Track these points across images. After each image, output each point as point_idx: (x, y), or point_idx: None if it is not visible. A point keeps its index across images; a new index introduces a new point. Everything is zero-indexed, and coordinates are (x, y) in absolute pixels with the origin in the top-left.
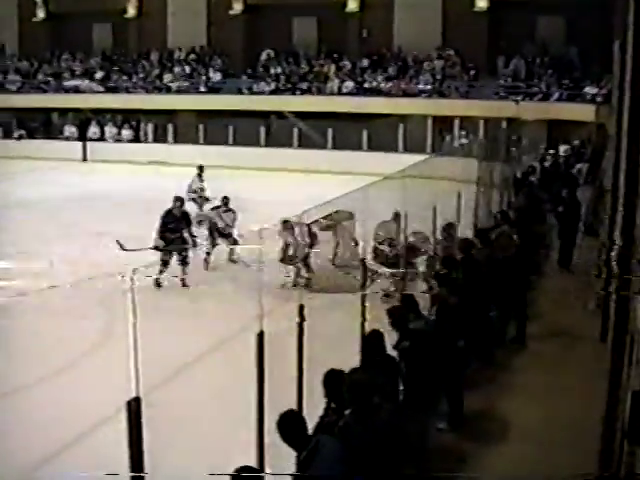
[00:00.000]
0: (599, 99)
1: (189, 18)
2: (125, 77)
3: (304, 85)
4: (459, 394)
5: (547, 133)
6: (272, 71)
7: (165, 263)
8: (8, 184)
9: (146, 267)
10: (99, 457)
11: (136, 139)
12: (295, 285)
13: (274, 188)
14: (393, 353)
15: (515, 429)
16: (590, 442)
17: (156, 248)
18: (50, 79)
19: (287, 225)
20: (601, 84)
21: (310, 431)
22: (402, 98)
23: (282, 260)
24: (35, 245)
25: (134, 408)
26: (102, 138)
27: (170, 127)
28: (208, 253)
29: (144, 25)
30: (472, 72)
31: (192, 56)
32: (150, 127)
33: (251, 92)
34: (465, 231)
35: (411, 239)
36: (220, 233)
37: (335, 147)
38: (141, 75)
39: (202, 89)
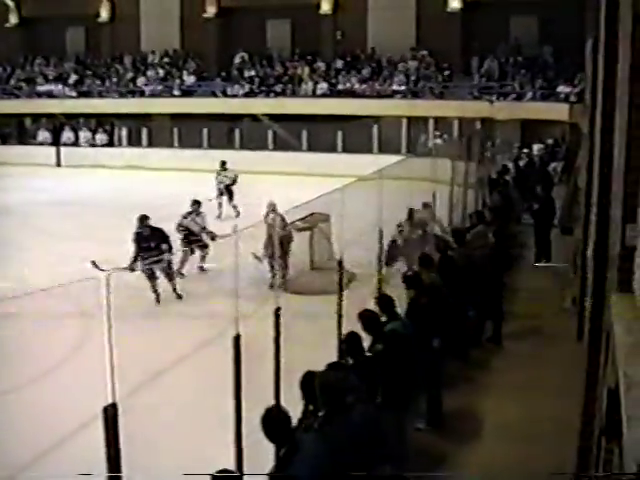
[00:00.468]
0: (572, 98)
1: (162, 21)
2: (99, 81)
3: (278, 87)
4: (437, 394)
5: (521, 133)
6: (246, 74)
7: (151, 276)
8: None
9: (120, 270)
10: (77, 463)
11: (110, 143)
12: (272, 286)
13: (249, 191)
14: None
15: (494, 427)
16: (568, 439)
17: (131, 270)
18: (23, 84)
19: (273, 207)
20: (574, 83)
21: None
22: (376, 99)
23: (266, 254)
24: (10, 251)
25: (111, 414)
26: (76, 143)
27: (144, 131)
28: (183, 262)
29: (117, 29)
30: (446, 73)
31: (165, 59)
32: (124, 131)
33: (225, 95)
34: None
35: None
36: (195, 240)
37: (310, 149)
38: (114, 79)
39: (176, 92)
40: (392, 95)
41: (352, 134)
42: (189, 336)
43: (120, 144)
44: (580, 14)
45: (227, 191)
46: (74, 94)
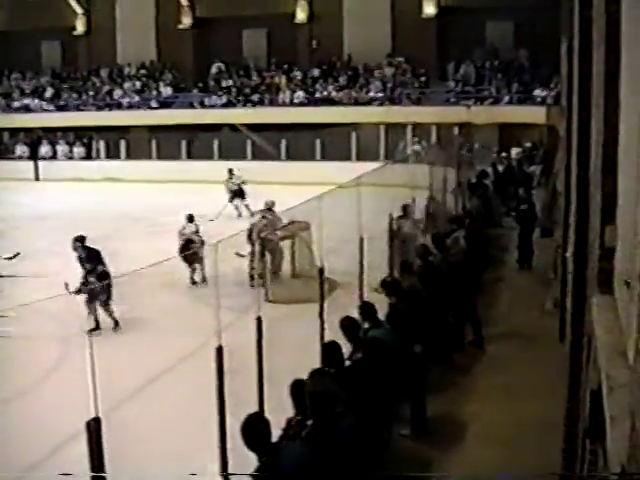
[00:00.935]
0: (549, 101)
1: (138, 33)
2: (75, 95)
3: (256, 97)
4: (421, 399)
5: (499, 137)
6: (223, 84)
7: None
8: None
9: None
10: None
11: (88, 156)
12: (252, 286)
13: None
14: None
15: (478, 431)
16: (552, 441)
17: (78, 292)
18: None
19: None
20: (551, 86)
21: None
22: (354, 107)
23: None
24: None
25: (94, 428)
26: (54, 157)
27: (122, 143)
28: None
29: (93, 42)
30: (422, 79)
31: (142, 71)
32: (102, 144)
33: (203, 106)
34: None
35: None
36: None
37: (289, 158)
38: (91, 92)
39: (153, 104)
40: (369, 102)
41: (330, 142)
42: (172, 348)
43: (98, 157)
44: (555, 17)
45: (238, 194)
46: (51, 108)
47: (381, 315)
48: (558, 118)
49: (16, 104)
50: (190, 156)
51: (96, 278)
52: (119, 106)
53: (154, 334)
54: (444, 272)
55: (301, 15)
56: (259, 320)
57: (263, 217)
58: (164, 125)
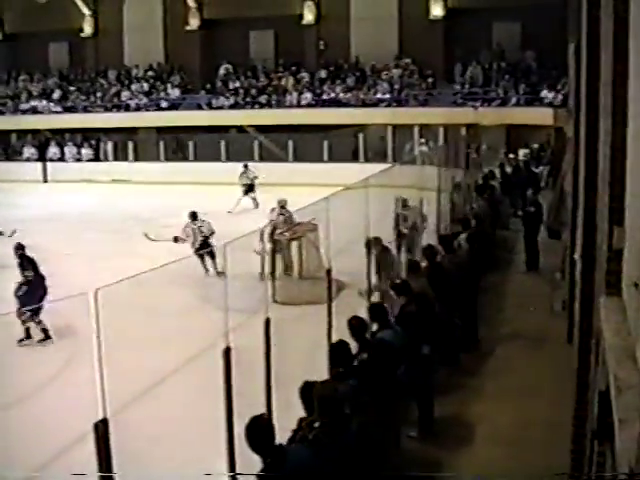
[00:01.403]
0: (557, 102)
1: (145, 35)
2: (83, 96)
3: (263, 99)
4: (428, 401)
5: (506, 138)
6: (231, 86)
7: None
8: None
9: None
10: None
11: (96, 158)
12: (262, 279)
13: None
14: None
15: (485, 433)
16: (561, 442)
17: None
18: (7, 100)
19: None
20: (558, 87)
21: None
22: (361, 108)
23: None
24: None
25: (101, 429)
26: (62, 158)
27: (130, 145)
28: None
29: (101, 43)
30: (430, 80)
31: (150, 73)
32: (110, 145)
33: (210, 107)
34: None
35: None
36: (203, 246)
37: (296, 159)
38: (99, 94)
39: (161, 106)
40: (377, 104)
41: (338, 144)
42: (180, 349)
43: (106, 159)
44: (562, 18)
45: (250, 187)
46: (59, 109)
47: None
48: (566, 120)
49: (24, 106)
50: (197, 158)
51: (25, 285)
52: (127, 108)
53: (162, 335)
54: (451, 273)
55: (308, 17)
56: (267, 321)
57: (281, 214)
58: (172, 127)
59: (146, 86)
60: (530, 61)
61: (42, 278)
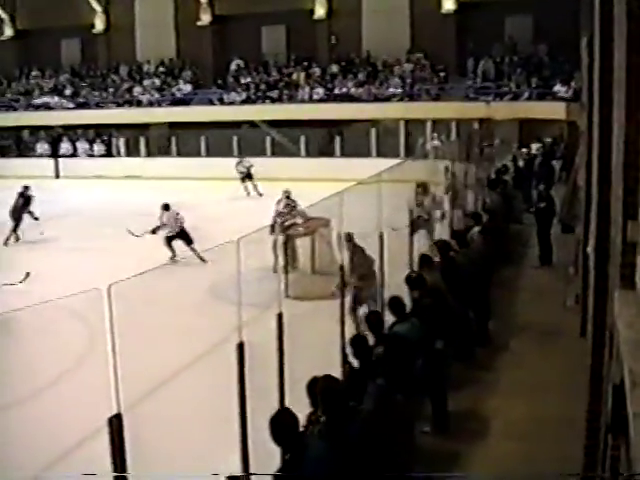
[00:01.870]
0: (569, 96)
1: (157, 31)
2: (95, 92)
3: (275, 94)
4: (442, 396)
5: (519, 132)
6: (242, 81)
7: None
8: None
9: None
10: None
11: (108, 154)
12: (275, 271)
13: (250, 197)
14: None
15: (499, 427)
16: (574, 437)
17: None
18: (20, 97)
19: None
20: (571, 82)
21: None
22: (373, 103)
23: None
24: (10, 263)
25: (116, 424)
26: (74, 154)
27: (142, 140)
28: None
29: (112, 39)
30: (442, 74)
31: (161, 69)
32: (122, 141)
33: (222, 103)
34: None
35: None
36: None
37: (308, 154)
38: (111, 89)
39: (173, 101)
40: (389, 98)
41: (350, 138)
42: (193, 344)
43: (118, 154)
44: (575, 12)
45: (247, 176)
46: (71, 105)
47: None
48: (578, 113)
49: (36, 102)
50: (210, 153)
51: None
52: (139, 103)
53: (175, 330)
54: (465, 268)
55: (320, 11)
56: (280, 316)
57: (287, 205)
58: (184, 122)
59: (158, 82)
60: (542, 55)
61: None
